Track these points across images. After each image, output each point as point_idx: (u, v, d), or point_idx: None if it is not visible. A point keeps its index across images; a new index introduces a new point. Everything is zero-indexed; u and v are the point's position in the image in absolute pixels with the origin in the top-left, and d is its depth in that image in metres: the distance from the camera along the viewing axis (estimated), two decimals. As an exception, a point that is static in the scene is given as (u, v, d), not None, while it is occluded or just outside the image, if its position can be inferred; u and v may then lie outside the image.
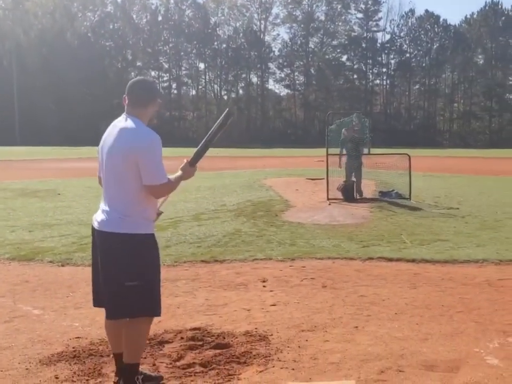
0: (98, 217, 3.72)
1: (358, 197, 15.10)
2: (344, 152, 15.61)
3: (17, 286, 6.59)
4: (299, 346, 4.53)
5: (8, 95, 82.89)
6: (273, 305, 5.73)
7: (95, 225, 3.71)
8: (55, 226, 10.70)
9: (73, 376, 3.96)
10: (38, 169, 28.62)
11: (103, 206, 3.71)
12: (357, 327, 5.02)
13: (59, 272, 7.32)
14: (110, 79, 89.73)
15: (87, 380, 3.92)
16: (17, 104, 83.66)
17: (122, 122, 3.71)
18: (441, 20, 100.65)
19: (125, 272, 3.57)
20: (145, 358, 4.28)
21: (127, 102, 3.79)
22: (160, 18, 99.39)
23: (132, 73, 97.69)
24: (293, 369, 4.08)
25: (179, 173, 3.88)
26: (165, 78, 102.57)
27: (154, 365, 4.17)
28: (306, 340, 4.68)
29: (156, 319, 5.04)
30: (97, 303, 3.92)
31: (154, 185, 3.60)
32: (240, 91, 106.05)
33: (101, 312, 5.05)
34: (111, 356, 4.17)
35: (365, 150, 16.33)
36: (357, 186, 15.37)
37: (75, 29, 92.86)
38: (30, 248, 8.72)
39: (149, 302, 3.68)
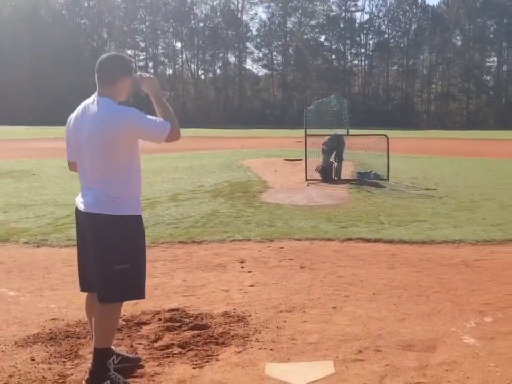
0: (84, 199, 3.60)
1: (335, 178, 15.13)
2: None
3: (-8, 267, 6.51)
4: (277, 327, 4.54)
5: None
6: (251, 286, 5.74)
7: (81, 207, 3.59)
8: (30, 207, 10.59)
9: (49, 358, 3.93)
10: (13, 149, 28.27)
11: (87, 188, 3.60)
12: (335, 307, 5.04)
13: (34, 253, 7.25)
14: (86, 58, 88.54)
15: (64, 361, 3.89)
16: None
17: (94, 106, 3.53)
18: (419, 0, 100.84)
19: (115, 255, 3.48)
20: (122, 339, 4.27)
21: (96, 81, 3.65)
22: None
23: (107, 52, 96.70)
24: (271, 349, 4.09)
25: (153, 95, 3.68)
26: (141, 57, 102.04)
27: (132, 346, 4.15)
28: (285, 321, 4.69)
29: (133, 301, 5.05)
30: (83, 287, 3.80)
31: (168, 136, 3.56)
32: (218, 71, 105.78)
33: (78, 294, 5.01)
34: (88, 337, 4.15)
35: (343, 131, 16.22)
36: (338, 169, 15.37)
37: (49, 6, 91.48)
38: (4, 229, 8.61)
39: (137, 285, 3.61)
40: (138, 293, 3.65)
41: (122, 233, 3.51)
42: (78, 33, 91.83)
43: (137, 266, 3.60)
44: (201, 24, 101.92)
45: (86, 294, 3.84)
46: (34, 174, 15.94)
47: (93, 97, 3.60)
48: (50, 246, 7.58)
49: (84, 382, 3.54)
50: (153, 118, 3.56)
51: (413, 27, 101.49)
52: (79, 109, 3.62)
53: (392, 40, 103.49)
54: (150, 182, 13.86)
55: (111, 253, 3.48)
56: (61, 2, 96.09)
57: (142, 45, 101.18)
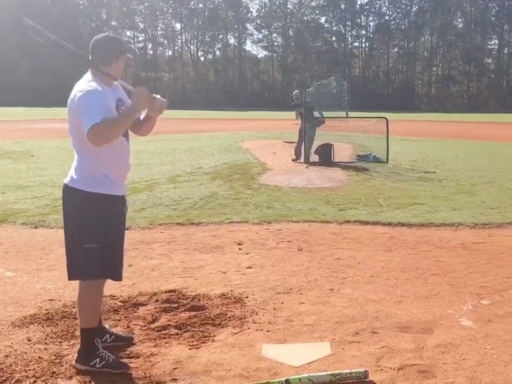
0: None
1: (294, 159, 15.17)
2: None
3: (-9, 248, 6.51)
4: (274, 309, 4.55)
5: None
6: (249, 267, 5.74)
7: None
8: (28, 188, 10.57)
9: (46, 338, 3.94)
10: (11, 130, 28.19)
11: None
12: (332, 289, 5.05)
13: (32, 234, 7.24)
14: (84, 39, 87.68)
15: (60, 342, 3.90)
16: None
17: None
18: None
19: (84, 234, 3.45)
20: (119, 320, 4.27)
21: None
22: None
23: (107, 33, 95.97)
24: (268, 331, 4.10)
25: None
26: (141, 38, 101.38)
27: (128, 327, 4.15)
28: (282, 302, 4.69)
29: (130, 281, 5.06)
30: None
31: (86, 133, 3.21)
32: (217, 52, 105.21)
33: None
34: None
35: (316, 114, 16.09)
36: (298, 148, 15.43)
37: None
38: (2, 210, 8.61)
39: (110, 265, 3.56)
40: (112, 274, 3.61)
41: (91, 211, 3.46)
42: (77, 14, 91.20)
43: (111, 246, 3.54)
44: (200, 5, 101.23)
45: None
46: (32, 155, 15.90)
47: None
48: (48, 227, 7.58)
49: (73, 362, 3.55)
50: (97, 106, 3.28)
51: (414, 9, 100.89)
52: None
53: (393, 22, 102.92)
54: (149, 164, 13.84)
55: (80, 231, 3.47)
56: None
57: (141, 26, 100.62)
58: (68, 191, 3.52)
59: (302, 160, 15.05)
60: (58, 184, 10.74)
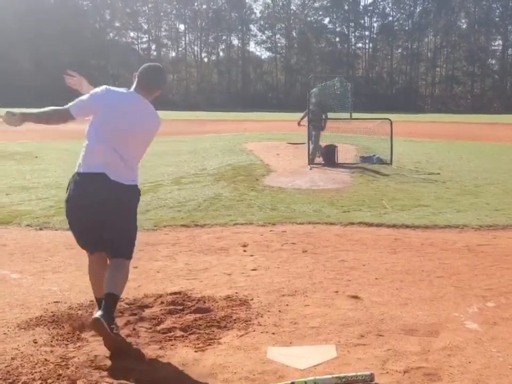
0: (113, 168, 3.91)
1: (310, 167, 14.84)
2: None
3: (-9, 250, 6.53)
4: (279, 311, 4.55)
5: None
6: (253, 269, 5.74)
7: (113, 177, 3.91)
8: (33, 189, 10.59)
9: (51, 341, 3.94)
10: (15, 131, 28.14)
11: (114, 160, 3.91)
12: (337, 291, 5.05)
13: (37, 235, 7.26)
14: (88, 40, 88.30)
15: (66, 344, 3.90)
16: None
17: (144, 103, 4.09)
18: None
19: (135, 220, 4.13)
20: (125, 323, 4.26)
21: (137, 81, 4.10)
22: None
23: (110, 34, 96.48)
24: (273, 333, 4.10)
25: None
26: (144, 39, 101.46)
27: (134, 329, 4.15)
28: (287, 305, 4.70)
29: (135, 283, 5.08)
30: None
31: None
32: (221, 53, 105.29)
33: (80, 277, 5.06)
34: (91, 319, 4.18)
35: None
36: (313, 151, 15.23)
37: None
38: (7, 211, 8.63)
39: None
40: None
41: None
42: (81, 14, 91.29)
43: None
44: (204, 6, 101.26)
45: (86, 276, 4.20)
46: (36, 157, 15.93)
47: (137, 94, 4.09)
48: (53, 228, 7.59)
49: (93, 319, 3.68)
50: None
51: (418, 9, 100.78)
52: (121, 94, 4.10)
53: (396, 23, 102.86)
54: (153, 165, 13.85)
55: (135, 218, 4.20)
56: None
57: (145, 27, 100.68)
58: (135, 189, 4.08)
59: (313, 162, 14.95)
60: (62, 185, 10.71)
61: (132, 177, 4.04)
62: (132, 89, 4.13)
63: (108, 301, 3.80)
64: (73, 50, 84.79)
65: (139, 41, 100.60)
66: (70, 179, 4.01)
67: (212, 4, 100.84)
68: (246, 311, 4.54)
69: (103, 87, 4.09)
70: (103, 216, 3.91)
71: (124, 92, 4.13)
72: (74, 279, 5.32)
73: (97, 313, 3.71)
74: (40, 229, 7.59)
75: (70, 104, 3.98)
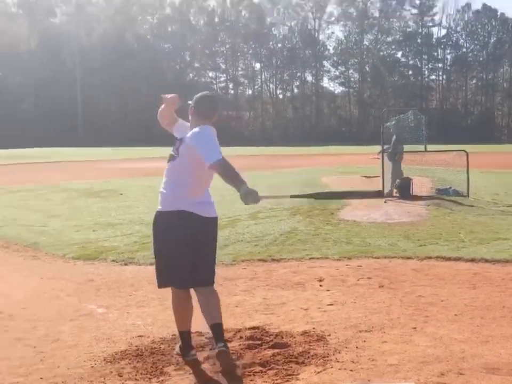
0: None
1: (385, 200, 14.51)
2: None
3: (82, 285, 6.73)
4: (357, 347, 4.47)
5: (71, 97, 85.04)
6: (330, 304, 5.68)
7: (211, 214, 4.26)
8: (118, 225, 10.89)
9: (136, 374, 4.02)
10: (101, 169, 29.23)
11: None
12: (415, 328, 4.92)
13: (122, 271, 7.44)
14: (169, 80, 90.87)
15: (150, 378, 3.96)
16: (81, 105, 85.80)
17: None
18: (498, 13, 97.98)
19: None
20: (206, 357, 4.29)
21: (192, 112, 4.31)
22: (217, 19, 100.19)
23: (190, 74, 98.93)
24: (351, 370, 4.03)
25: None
26: (222, 79, 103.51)
27: (214, 364, 4.17)
28: (364, 341, 4.61)
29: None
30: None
31: None
32: (295, 90, 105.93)
33: (162, 311, 5.16)
34: (173, 354, 4.25)
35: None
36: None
37: (135, 31, 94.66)
38: (94, 247, 8.90)
39: None
40: None
41: None
42: (162, 57, 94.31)
43: None
44: (279, 45, 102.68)
45: (168, 310, 4.46)
46: (121, 194, 16.38)
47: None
48: (137, 263, 7.76)
49: (219, 351, 3.97)
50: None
51: (492, 40, 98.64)
52: (214, 130, 4.28)
53: (470, 54, 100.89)
54: (230, 200, 13.98)
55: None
56: (146, 28, 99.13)
57: (223, 66, 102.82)
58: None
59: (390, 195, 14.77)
60: (146, 221, 11.02)
61: None
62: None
63: (217, 331, 4.06)
64: (156, 90, 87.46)
65: (217, 80, 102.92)
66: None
67: (286, 42, 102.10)
68: (324, 347, 4.49)
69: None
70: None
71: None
72: (157, 313, 5.42)
73: (219, 346, 3.99)
74: (125, 264, 7.78)
75: (219, 152, 4.04)
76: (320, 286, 6.44)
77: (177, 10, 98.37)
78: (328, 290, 6.24)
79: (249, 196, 3.87)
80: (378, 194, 3.97)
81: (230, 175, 3.91)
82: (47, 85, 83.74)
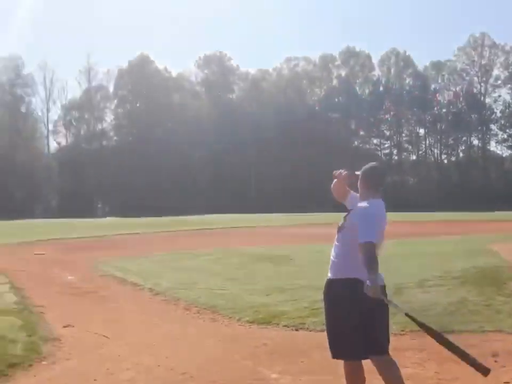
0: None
1: None
2: None
3: (256, 348, 6.93)
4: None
5: (246, 166, 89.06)
6: (506, 382, 5.35)
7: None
8: (289, 290, 11.06)
9: None
10: (272, 235, 30.04)
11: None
12: None
13: (294, 336, 7.56)
14: (335, 148, 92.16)
15: None
16: (254, 173, 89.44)
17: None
18: None
19: None
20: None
21: (360, 183, 4.44)
22: (381, 88, 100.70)
23: (355, 142, 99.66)
24: None
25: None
26: (386, 145, 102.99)
27: None
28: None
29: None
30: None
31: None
32: (461, 154, 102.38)
33: (332, 381, 5.16)
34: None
35: None
36: None
37: (304, 103, 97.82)
38: (267, 311, 9.11)
39: None
40: None
41: None
42: (329, 126, 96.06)
43: None
44: (444, 110, 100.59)
45: (338, 379, 4.58)
46: (291, 259, 16.65)
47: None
48: (308, 329, 7.85)
49: None
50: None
51: None
52: (380, 204, 4.47)
53: None
54: (396, 267, 13.72)
55: None
56: (315, 99, 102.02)
57: (387, 133, 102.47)
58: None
59: None
60: (316, 287, 11.04)
61: None
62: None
63: None
64: (320, 157, 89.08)
65: (381, 147, 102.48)
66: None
67: (451, 107, 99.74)
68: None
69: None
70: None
71: (378, 203, 4.52)
72: (329, 381, 5.44)
73: None
74: (296, 330, 7.90)
75: (372, 235, 4.19)
76: (495, 361, 6.09)
77: (343, 82, 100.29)
78: (503, 366, 5.89)
79: (371, 289, 4.02)
80: (485, 371, 3.76)
81: (368, 261, 4.05)
82: (225, 155, 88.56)
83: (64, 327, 8.49)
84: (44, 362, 6.61)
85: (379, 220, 4.24)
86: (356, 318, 4.12)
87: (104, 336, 7.87)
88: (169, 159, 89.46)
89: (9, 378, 6.02)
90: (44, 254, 20.98)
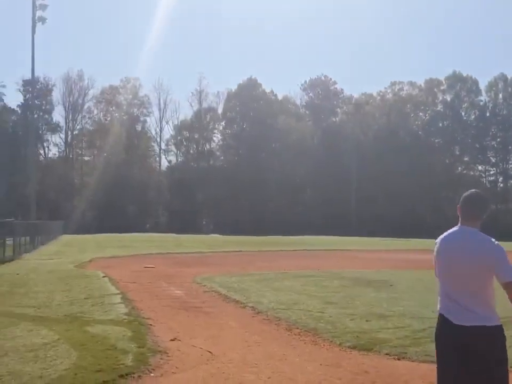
0: (458, 314, 3.84)
1: None
2: None
3: (358, 375, 6.79)
4: None
5: (347, 189, 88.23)
6: None
7: (465, 322, 3.80)
8: (389, 317, 10.77)
9: None
10: (371, 259, 29.51)
11: (459, 304, 3.85)
12: None
13: (395, 365, 7.34)
14: (437, 174, 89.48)
15: None
16: (354, 196, 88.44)
17: (468, 234, 3.92)
18: None
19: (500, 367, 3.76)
20: None
21: (460, 212, 4.03)
22: (488, 114, 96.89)
23: (459, 168, 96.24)
24: None
25: None
26: (492, 172, 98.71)
27: None
28: None
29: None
30: None
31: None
32: None
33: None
34: None
35: None
36: None
37: (407, 127, 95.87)
38: (367, 338, 8.90)
39: None
40: None
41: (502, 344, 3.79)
42: (432, 151, 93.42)
43: None
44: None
45: None
46: (391, 285, 16.22)
47: (462, 228, 3.98)
48: (410, 359, 7.59)
49: None
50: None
51: None
52: (449, 237, 4.03)
53: None
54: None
55: (494, 364, 3.73)
56: (418, 123, 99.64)
57: (493, 160, 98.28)
58: (494, 331, 3.79)
59: None
60: (416, 315, 10.80)
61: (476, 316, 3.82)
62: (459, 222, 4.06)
63: None
64: (422, 183, 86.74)
65: (486, 174, 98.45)
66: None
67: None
68: None
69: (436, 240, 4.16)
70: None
71: (450, 232, 4.09)
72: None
73: None
74: (398, 359, 7.66)
75: None
76: None
77: (448, 107, 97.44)
78: None
79: None
80: None
81: None
82: (326, 177, 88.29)
83: (171, 340, 8.72)
84: (152, 374, 6.80)
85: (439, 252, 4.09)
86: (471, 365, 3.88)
87: (208, 351, 8.00)
88: (272, 180, 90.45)
89: (120, 388, 6.25)
90: (153, 267, 21.73)
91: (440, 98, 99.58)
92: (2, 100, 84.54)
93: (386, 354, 7.90)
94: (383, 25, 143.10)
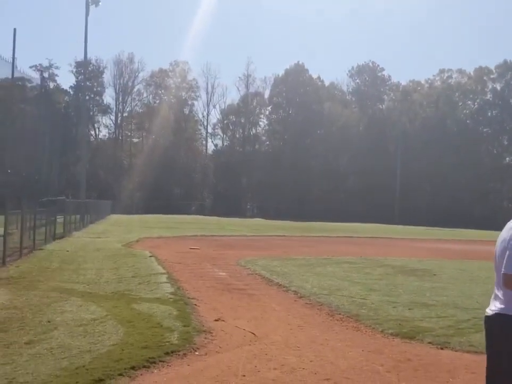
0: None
1: None
2: None
3: (400, 363, 6.73)
4: None
5: (391, 177, 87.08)
6: None
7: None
8: (432, 306, 10.65)
9: None
10: (415, 248, 29.13)
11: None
12: None
13: (438, 354, 7.25)
14: (484, 164, 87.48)
15: None
16: (399, 184, 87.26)
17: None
18: None
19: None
20: None
21: None
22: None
23: (507, 159, 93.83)
24: None
25: None
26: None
27: None
28: None
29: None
30: None
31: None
32: None
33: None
34: None
35: None
36: None
37: (455, 116, 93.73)
38: (410, 326, 8.82)
39: None
40: None
41: None
42: (480, 141, 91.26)
43: None
44: None
45: None
46: (435, 274, 15.99)
47: None
48: (453, 349, 7.49)
49: None
50: None
51: None
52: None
53: None
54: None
55: None
56: (466, 112, 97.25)
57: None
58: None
59: None
60: (459, 305, 10.65)
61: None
62: None
63: None
64: (469, 173, 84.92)
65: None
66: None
67: None
68: None
69: None
70: None
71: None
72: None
73: None
74: (441, 348, 7.56)
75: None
76: None
77: (498, 96, 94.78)
78: None
79: None
80: None
81: None
82: (370, 165, 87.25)
83: (215, 320, 8.82)
84: (196, 353, 6.90)
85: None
86: None
87: (251, 333, 8.06)
88: (316, 166, 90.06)
89: (164, 364, 6.36)
90: (198, 249, 21.96)
91: (490, 87, 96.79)
92: (56, 81, 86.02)
93: (429, 343, 7.80)
94: (433, 12, 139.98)
